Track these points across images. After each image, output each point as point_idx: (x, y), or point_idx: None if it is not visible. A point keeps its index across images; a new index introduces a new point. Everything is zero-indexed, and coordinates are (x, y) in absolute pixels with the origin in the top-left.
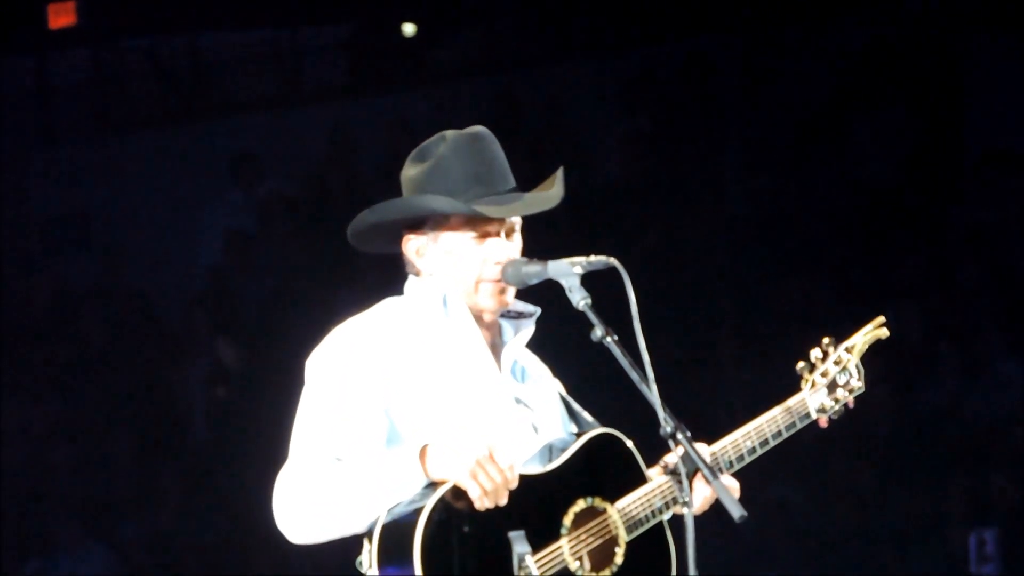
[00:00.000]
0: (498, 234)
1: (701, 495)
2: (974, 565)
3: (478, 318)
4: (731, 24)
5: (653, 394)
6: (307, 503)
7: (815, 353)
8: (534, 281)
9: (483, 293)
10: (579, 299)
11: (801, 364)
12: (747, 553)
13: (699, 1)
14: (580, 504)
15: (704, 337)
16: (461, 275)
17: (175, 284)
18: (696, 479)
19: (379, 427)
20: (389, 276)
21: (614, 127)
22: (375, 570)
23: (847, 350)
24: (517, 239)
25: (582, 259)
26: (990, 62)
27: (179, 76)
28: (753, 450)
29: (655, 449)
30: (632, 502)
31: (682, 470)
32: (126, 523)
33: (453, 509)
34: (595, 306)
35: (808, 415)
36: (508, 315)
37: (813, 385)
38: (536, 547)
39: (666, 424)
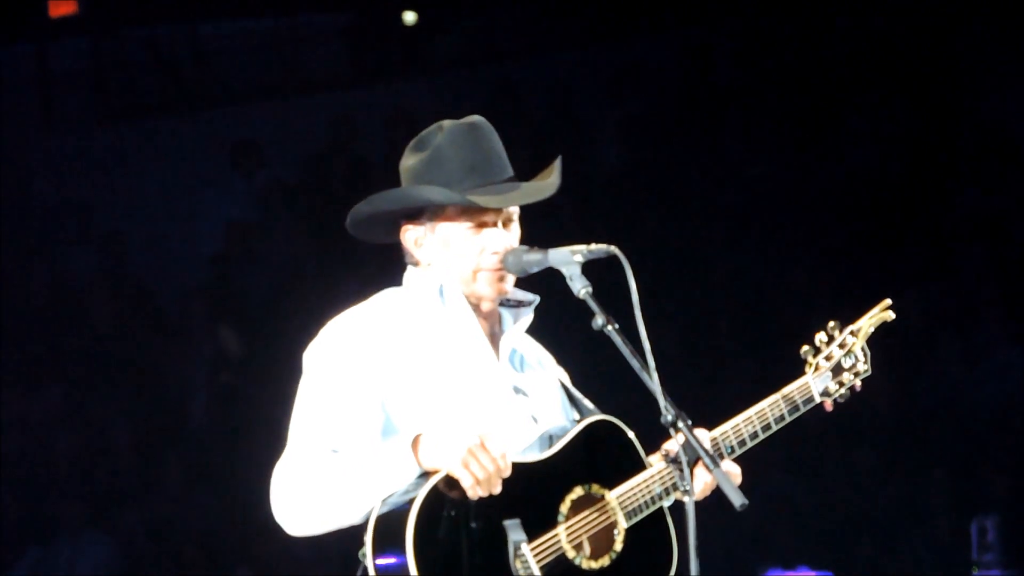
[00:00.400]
0: (495, 224)
1: (701, 482)
2: (975, 552)
3: (476, 307)
4: (729, 13)
5: (654, 382)
6: (302, 496)
7: (820, 337)
8: (535, 269)
9: (481, 282)
10: (580, 287)
11: (805, 348)
12: (748, 541)
13: None
14: (577, 491)
15: (704, 325)
16: (459, 265)
17: (176, 272)
18: (697, 466)
19: (374, 419)
20: (390, 263)
21: (613, 116)
22: (370, 560)
23: (852, 333)
24: (515, 228)
25: (583, 247)
26: (990, 50)
27: (179, 65)
28: (755, 435)
29: (656, 437)
30: (630, 489)
31: (683, 458)
32: (127, 511)
33: (446, 498)
34: (596, 294)
35: (812, 399)
36: (507, 304)
37: (817, 369)
38: (532, 535)
39: (667, 412)
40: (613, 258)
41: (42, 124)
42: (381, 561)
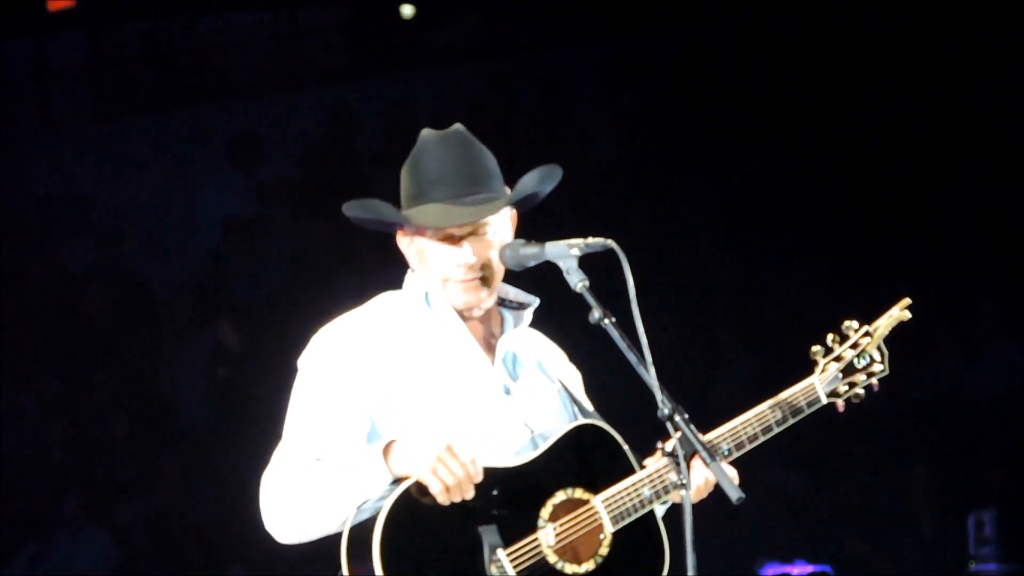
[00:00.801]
0: (462, 236)
1: (701, 478)
2: (973, 546)
3: (466, 312)
4: (726, 9)
5: (651, 376)
6: (283, 505)
7: (832, 337)
8: (532, 263)
9: (451, 292)
10: (577, 281)
11: (815, 348)
12: (745, 534)
13: None
14: (559, 496)
15: (702, 319)
16: (430, 275)
17: (173, 266)
18: (693, 464)
19: (359, 427)
20: (389, 258)
21: (610, 110)
22: (344, 571)
23: (868, 334)
24: (487, 237)
25: (580, 241)
26: (988, 46)
27: (177, 59)
28: (755, 437)
29: (652, 432)
30: (617, 493)
31: (679, 451)
32: (124, 506)
33: (418, 505)
34: (593, 288)
35: (817, 400)
36: (511, 305)
37: (824, 370)
38: (510, 540)
39: (664, 406)
40: (610, 252)
41: (40, 118)
42: (354, 571)
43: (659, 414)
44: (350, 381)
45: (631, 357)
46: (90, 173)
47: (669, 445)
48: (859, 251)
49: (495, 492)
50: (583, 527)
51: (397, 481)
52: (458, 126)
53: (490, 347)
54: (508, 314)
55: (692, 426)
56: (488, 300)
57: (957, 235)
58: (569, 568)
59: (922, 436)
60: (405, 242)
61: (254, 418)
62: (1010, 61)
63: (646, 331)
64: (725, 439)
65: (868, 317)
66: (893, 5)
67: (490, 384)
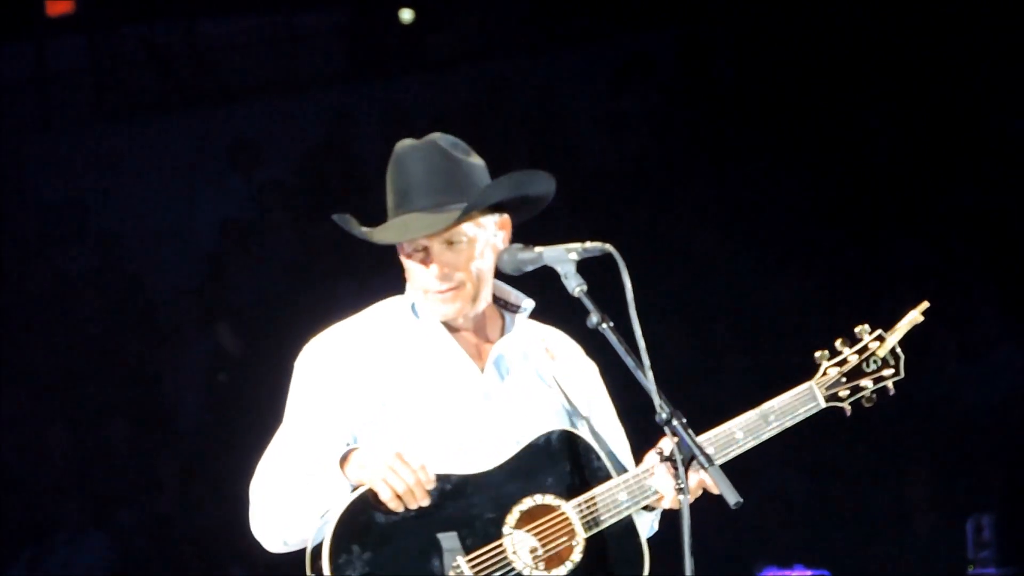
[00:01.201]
0: (431, 248)
1: (691, 482)
2: (971, 550)
3: (451, 321)
4: (726, 10)
5: (649, 380)
6: (260, 514)
7: (840, 341)
8: (530, 268)
9: (431, 302)
10: (575, 285)
11: (819, 352)
12: (744, 538)
13: None
14: (527, 502)
15: (700, 322)
16: (411, 285)
17: (173, 270)
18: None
19: (339, 439)
20: (386, 262)
21: (608, 114)
22: None
23: (879, 338)
24: (463, 247)
25: (577, 245)
26: (987, 48)
27: (176, 63)
28: (744, 440)
29: (650, 435)
30: (590, 499)
31: (677, 456)
32: (124, 510)
33: (373, 513)
34: (590, 292)
35: (814, 403)
36: (512, 309)
37: (824, 374)
38: (472, 547)
39: (662, 410)
40: (608, 256)
41: (39, 122)
42: None
43: (657, 418)
44: (334, 393)
45: (629, 361)
46: (89, 177)
47: (667, 448)
48: (858, 254)
49: (457, 499)
50: (552, 533)
51: (355, 490)
52: (434, 135)
53: (481, 354)
54: (509, 318)
55: (690, 430)
56: (472, 309)
57: (956, 238)
58: (537, 573)
59: (921, 439)
60: (400, 255)
61: (253, 422)
62: (1011, 65)
63: (644, 335)
64: (712, 443)
65: (866, 320)
66: (893, 9)
67: (474, 392)
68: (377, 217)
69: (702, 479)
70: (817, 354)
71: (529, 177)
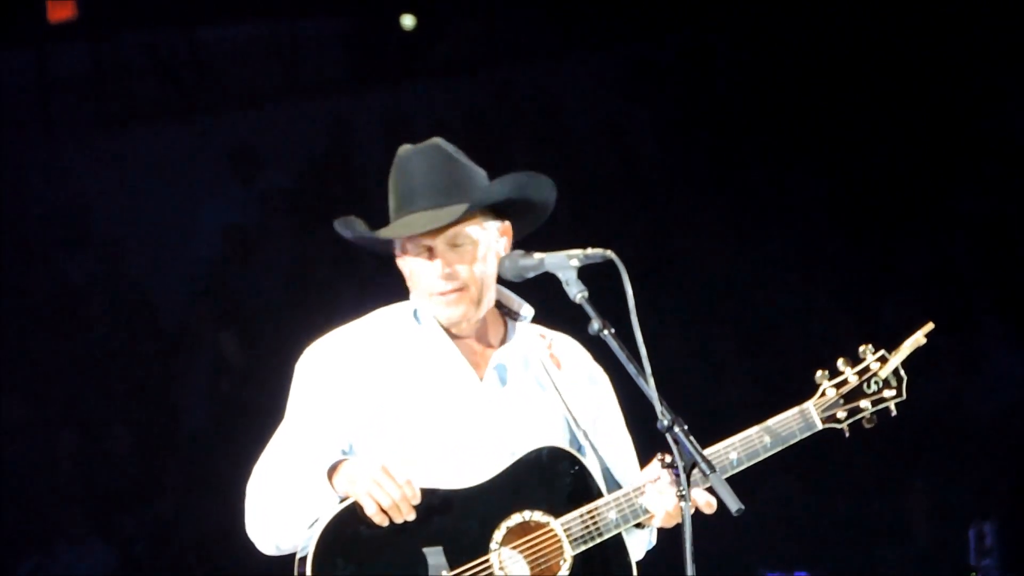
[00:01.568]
0: (435, 248)
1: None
2: (973, 558)
3: (454, 326)
4: (729, 17)
5: (650, 387)
6: (253, 519)
7: (842, 360)
8: (531, 274)
9: (435, 305)
10: (576, 292)
11: (820, 373)
12: (745, 545)
13: None
14: (515, 518)
15: (702, 329)
16: (416, 289)
17: (174, 277)
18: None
19: (335, 447)
20: (388, 269)
21: (610, 120)
22: None
23: (881, 360)
24: (467, 249)
25: (579, 252)
26: (988, 52)
27: (178, 70)
28: (740, 462)
29: (654, 441)
30: (579, 516)
31: (679, 463)
32: (127, 517)
33: (358, 526)
34: (592, 299)
35: (813, 425)
36: (515, 316)
37: (822, 395)
38: (458, 562)
39: (663, 417)
40: (609, 263)
41: (41, 129)
42: None
43: (659, 425)
44: (331, 397)
45: (631, 368)
46: (91, 184)
47: (668, 457)
48: (860, 262)
49: (444, 514)
50: (540, 550)
51: (343, 501)
52: (435, 140)
53: (482, 361)
54: (511, 325)
55: (692, 437)
56: (475, 313)
57: (957, 247)
58: None
59: (922, 447)
60: (400, 261)
61: (256, 428)
62: (1012, 69)
63: (645, 342)
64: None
65: (868, 328)
66: (895, 16)
67: (472, 399)
68: (379, 223)
69: (708, 500)
70: (818, 374)
71: (532, 179)
